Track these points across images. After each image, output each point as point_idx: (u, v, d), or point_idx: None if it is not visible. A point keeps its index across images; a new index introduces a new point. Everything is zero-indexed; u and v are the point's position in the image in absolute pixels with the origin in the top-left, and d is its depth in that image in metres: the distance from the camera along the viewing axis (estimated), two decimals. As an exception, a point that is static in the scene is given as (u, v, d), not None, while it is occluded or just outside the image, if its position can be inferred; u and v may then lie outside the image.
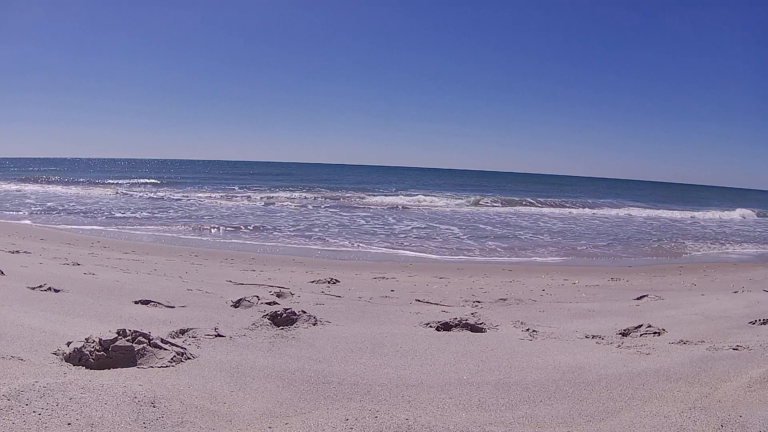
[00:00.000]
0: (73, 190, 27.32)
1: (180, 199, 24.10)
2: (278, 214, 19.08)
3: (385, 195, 30.60)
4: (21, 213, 16.50)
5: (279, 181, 40.94)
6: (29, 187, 27.73)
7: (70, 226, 13.52)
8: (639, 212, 27.07)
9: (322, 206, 22.96)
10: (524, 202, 29.44)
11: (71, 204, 20.04)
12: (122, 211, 17.96)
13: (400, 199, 27.58)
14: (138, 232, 13.02)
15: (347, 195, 29.81)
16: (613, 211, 26.45)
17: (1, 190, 26.35)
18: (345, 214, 19.78)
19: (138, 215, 17.05)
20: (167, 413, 1.94)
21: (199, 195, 26.82)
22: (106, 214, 17.07)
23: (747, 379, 2.58)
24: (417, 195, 30.41)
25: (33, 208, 17.76)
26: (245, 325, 3.48)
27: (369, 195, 30.00)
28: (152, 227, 14.12)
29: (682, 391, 2.53)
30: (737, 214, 28.51)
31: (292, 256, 10.22)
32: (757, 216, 28.70)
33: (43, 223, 14.21)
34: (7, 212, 16.54)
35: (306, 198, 27.22)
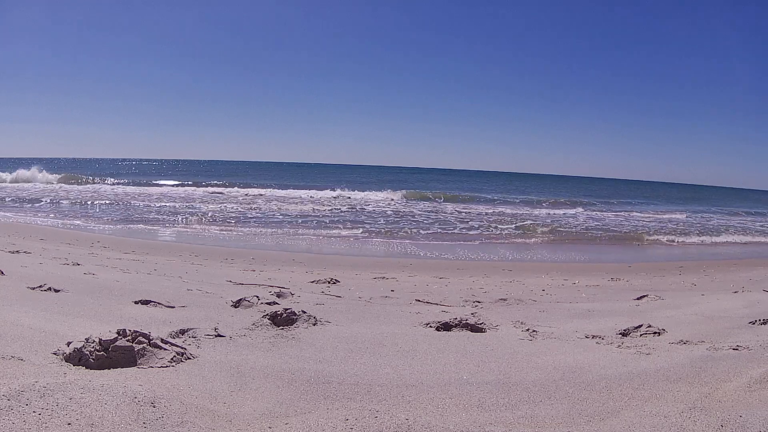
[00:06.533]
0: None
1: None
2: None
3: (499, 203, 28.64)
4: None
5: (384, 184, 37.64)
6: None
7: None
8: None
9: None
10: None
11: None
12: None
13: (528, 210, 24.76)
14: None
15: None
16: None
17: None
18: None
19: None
20: (167, 413, 1.94)
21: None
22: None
23: (747, 379, 2.58)
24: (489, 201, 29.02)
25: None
26: (245, 325, 3.48)
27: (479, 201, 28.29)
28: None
29: (682, 391, 2.53)
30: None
31: (294, 254, 10.22)
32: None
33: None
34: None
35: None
